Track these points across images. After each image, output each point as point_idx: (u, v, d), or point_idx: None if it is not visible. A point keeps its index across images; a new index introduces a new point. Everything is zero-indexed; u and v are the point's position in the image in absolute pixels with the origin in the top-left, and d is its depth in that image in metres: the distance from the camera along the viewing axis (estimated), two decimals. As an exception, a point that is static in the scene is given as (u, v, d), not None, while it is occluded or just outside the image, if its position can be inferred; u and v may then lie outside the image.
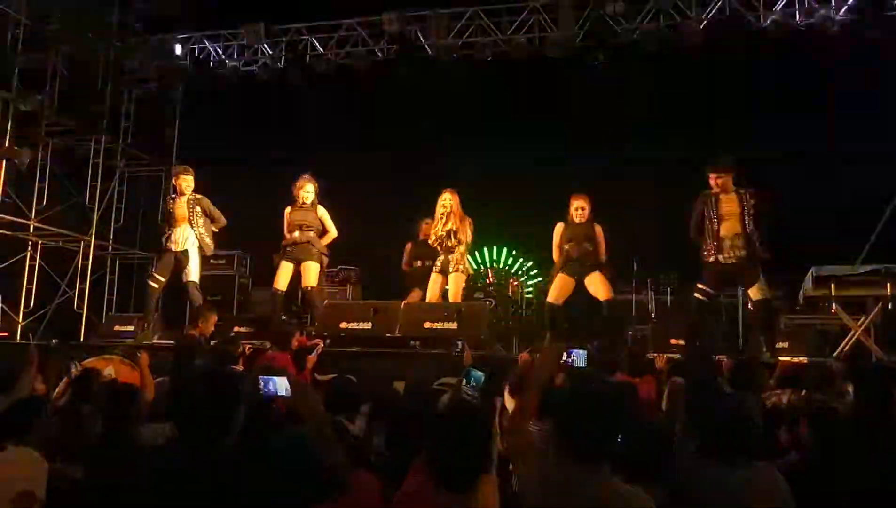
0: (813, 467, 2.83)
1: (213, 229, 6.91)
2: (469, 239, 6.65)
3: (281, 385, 2.56)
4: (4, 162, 8.29)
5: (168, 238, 6.77)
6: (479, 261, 10.45)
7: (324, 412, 2.19)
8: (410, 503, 2.14)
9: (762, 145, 8.06)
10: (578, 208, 6.34)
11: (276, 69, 9.70)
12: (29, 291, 9.14)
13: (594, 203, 6.41)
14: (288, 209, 6.78)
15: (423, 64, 9.24)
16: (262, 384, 2.66)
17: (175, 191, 7.00)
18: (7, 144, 8.31)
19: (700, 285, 5.81)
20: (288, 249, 6.67)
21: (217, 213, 6.93)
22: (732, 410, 2.64)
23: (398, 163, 9.47)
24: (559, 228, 6.43)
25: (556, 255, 6.43)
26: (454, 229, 6.54)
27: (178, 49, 9.96)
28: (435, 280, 6.64)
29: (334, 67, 9.54)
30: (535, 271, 9.52)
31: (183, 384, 2.14)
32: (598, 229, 6.38)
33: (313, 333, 6.07)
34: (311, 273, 6.63)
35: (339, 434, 3.19)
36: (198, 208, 6.82)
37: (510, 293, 9.34)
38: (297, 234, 6.63)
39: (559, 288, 6.31)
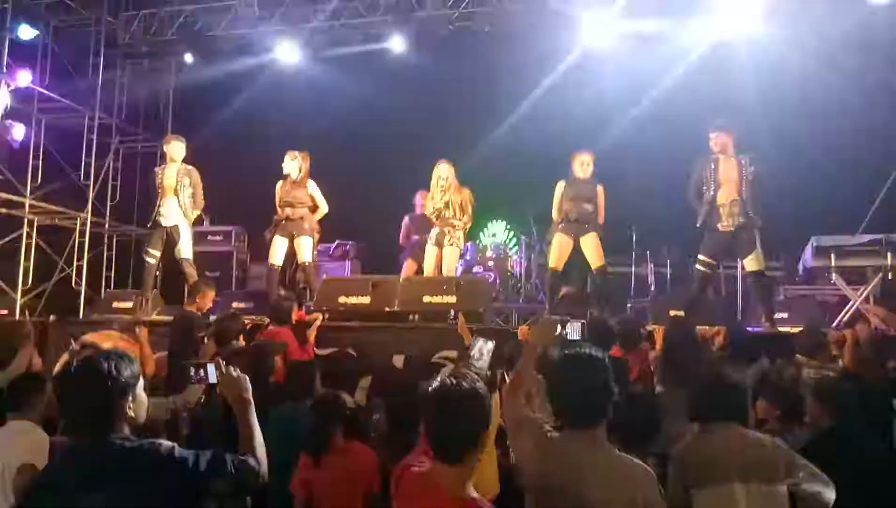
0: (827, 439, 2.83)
1: (193, 210, 6.84)
2: (470, 212, 6.61)
3: (211, 373, 2.52)
4: (-4, 139, 8.20)
5: (157, 212, 6.74)
6: (480, 235, 10.39)
7: (249, 400, 2.14)
8: (407, 474, 2.14)
9: (762, 115, 7.98)
10: (583, 163, 6.23)
11: (271, 42, 9.56)
12: (26, 269, 9.10)
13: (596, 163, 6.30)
14: (279, 184, 6.74)
15: (419, 35, 9.11)
16: (192, 371, 2.63)
17: (164, 160, 6.94)
18: (-1, 121, 8.21)
19: (701, 257, 5.79)
20: (280, 224, 6.64)
21: (200, 192, 6.87)
22: (708, 375, 2.65)
23: (395, 136, 9.38)
24: (560, 185, 6.32)
25: (555, 214, 6.35)
26: (452, 201, 6.50)
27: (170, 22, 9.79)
28: (431, 253, 6.60)
29: (329, 39, 9.40)
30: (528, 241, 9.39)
31: (61, 373, 2.03)
32: (601, 189, 6.28)
33: (311, 307, 6.06)
34: (305, 249, 6.62)
35: (336, 408, 3.21)
36: (186, 180, 6.77)
37: (509, 267, 9.32)
38: (288, 210, 6.60)
39: (558, 251, 6.24)
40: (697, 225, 5.77)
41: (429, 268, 6.61)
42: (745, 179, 5.60)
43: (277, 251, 6.66)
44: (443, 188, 6.49)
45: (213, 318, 5.49)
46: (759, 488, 2.39)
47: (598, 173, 6.32)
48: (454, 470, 1.98)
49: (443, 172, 6.55)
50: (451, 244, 6.57)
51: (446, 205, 6.48)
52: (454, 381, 2.22)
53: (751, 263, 5.65)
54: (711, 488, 2.43)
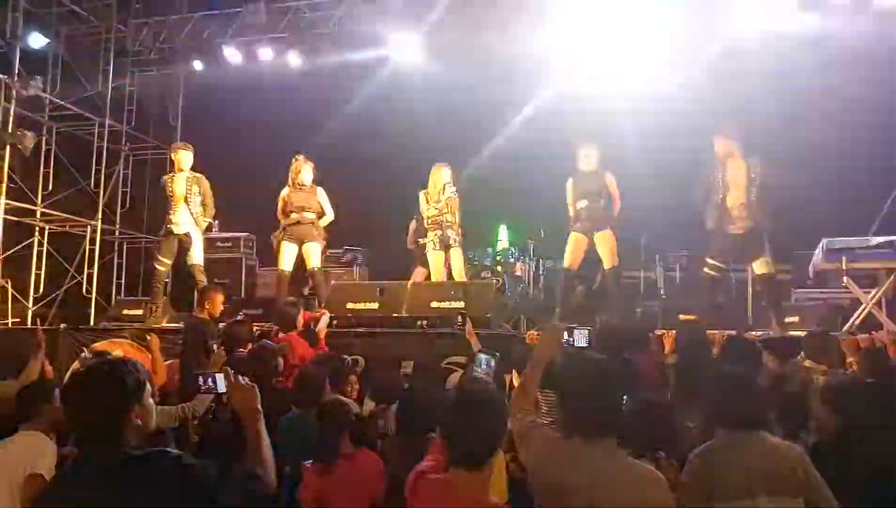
0: (835, 443, 2.81)
1: (204, 218, 6.86)
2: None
3: (219, 383, 2.51)
4: (8, 148, 8.27)
5: (169, 220, 6.76)
6: (489, 240, 10.34)
7: (258, 409, 2.13)
8: (424, 481, 2.13)
9: (773, 116, 7.93)
10: (585, 156, 6.16)
11: (278, 49, 9.61)
12: (38, 276, 9.18)
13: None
14: (286, 191, 6.72)
15: (422, 41, 9.12)
16: (201, 380, 2.61)
17: (172, 168, 6.97)
18: (10, 130, 8.28)
19: (709, 260, 5.76)
20: (289, 229, 6.63)
21: (210, 200, 6.90)
22: (722, 382, 2.63)
23: (401, 142, 9.38)
24: (570, 183, 6.27)
25: (571, 211, 6.30)
26: (450, 204, 6.51)
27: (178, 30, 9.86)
28: (437, 257, 6.58)
29: (336, 45, 9.43)
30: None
31: (71, 379, 2.02)
32: (609, 177, 6.18)
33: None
34: (315, 254, 6.63)
35: (342, 415, 3.22)
36: (196, 188, 6.81)
37: (517, 272, 9.29)
38: (296, 215, 6.60)
39: (573, 250, 6.19)
40: (708, 228, 5.75)
41: (437, 272, 6.58)
42: (753, 182, 5.58)
43: (286, 257, 6.66)
44: (450, 193, 6.49)
45: (222, 325, 5.50)
46: (784, 500, 2.35)
47: (605, 163, 6.20)
48: (475, 476, 1.97)
49: (446, 175, 6.54)
50: (457, 246, 6.58)
51: (447, 208, 6.48)
52: (472, 385, 2.22)
53: (760, 266, 5.63)
54: (735, 502, 2.38)
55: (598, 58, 8.71)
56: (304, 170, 6.65)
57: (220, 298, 5.63)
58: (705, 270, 5.82)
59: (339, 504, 2.97)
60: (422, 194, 6.79)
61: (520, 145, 9.10)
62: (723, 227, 5.68)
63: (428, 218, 6.61)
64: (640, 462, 2.21)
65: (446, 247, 6.57)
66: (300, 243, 6.64)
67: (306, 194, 6.66)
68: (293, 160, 6.71)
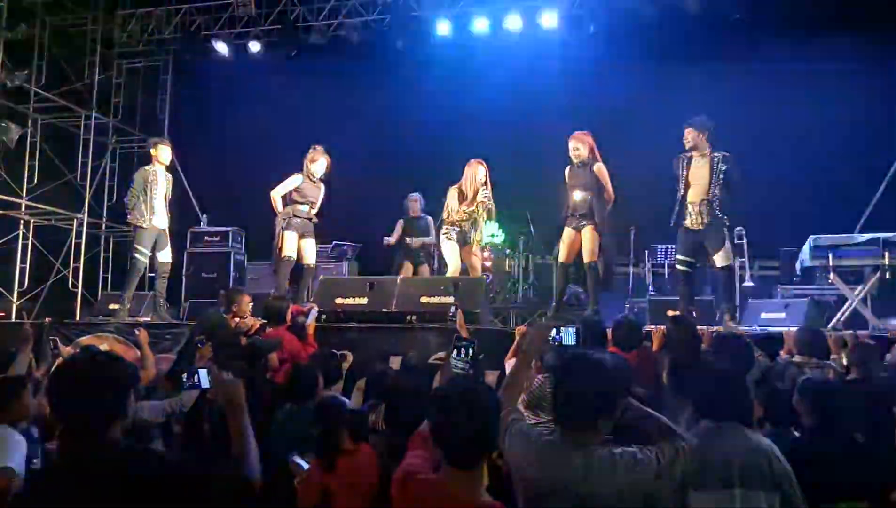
0: (813, 439, 2.83)
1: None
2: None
3: (203, 378, 2.49)
4: (-7, 140, 8.17)
5: (152, 211, 6.61)
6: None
7: (242, 404, 2.11)
8: (415, 482, 2.10)
9: (761, 113, 7.97)
10: (574, 149, 6.05)
11: (268, 41, 9.55)
12: (23, 270, 9.09)
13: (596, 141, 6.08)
14: (300, 179, 6.59)
15: (417, 33, 9.10)
16: (185, 376, 2.60)
17: (150, 161, 6.84)
18: (-6, 122, 8.18)
19: (679, 256, 5.84)
20: (294, 221, 6.57)
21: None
22: (712, 378, 2.64)
23: (393, 137, 9.35)
24: (567, 172, 6.19)
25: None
26: (479, 208, 6.46)
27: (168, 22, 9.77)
28: (453, 250, 6.50)
29: (327, 38, 9.39)
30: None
31: (58, 372, 2.01)
32: (599, 169, 6.00)
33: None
34: (312, 251, 6.65)
35: (340, 410, 3.20)
36: (169, 185, 6.86)
37: (507, 268, 9.30)
38: (305, 208, 6.60)
39: (567, 245, 6.15)
40: (671, 223, 5.81)
41: (455, 265, 6.51)
42: (715, 178, 5.59)
43: (291, 245, 6.57)
44: (483, 198, 6.44)
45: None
46: (759, 494, 2.38)
47: (599, 151, 6.08)
48: (469, 476, 1.94)
49: (481, 174, 6.47)
50: (476, 243, 6.55)
51: (477, 212, 6.44)
52: (464, 384, 2.19)
53: (719, 259, 5.69)
54: (712, 492, 2.41)
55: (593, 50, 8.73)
56: (318, 161, 6.60)
57: (245, 299, 5.53)
58: (677, 266, 5.90)
59: (342, 499, 2.97)
60: (453, 190, 6.59)
61: (511, 139, 9.09)
62: (683, 223, 5.72)
63: (456, 221, 6.49)
64: (625, 449, 2.18)
65: (463, 242, 6.51)
66: (301, 236, 6.62)
67: (317, 188, 6.66)
68: (311, 149, 6.65)
